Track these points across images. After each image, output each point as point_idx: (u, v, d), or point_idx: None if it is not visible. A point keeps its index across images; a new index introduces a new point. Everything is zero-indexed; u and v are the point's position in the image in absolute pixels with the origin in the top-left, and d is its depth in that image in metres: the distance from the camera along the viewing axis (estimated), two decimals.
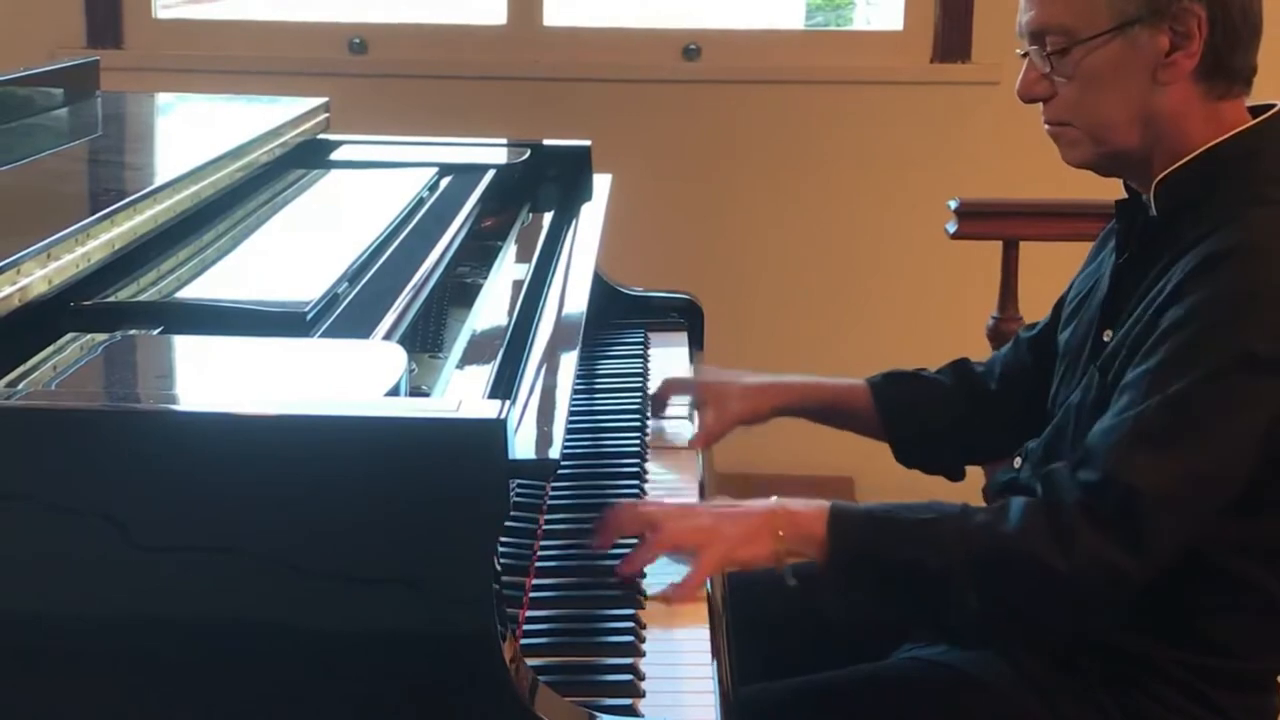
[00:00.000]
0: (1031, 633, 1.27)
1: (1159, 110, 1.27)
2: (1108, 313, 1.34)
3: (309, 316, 1.08)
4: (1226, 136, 1.27)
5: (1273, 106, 1.31)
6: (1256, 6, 1.27)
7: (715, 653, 1.14)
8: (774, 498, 1.27)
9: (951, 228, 2.24)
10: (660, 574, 1.25)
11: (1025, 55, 1.33)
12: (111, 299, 1.11)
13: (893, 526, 1.24)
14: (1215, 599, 1.27)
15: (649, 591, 1.23)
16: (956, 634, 1.31)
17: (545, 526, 1.32)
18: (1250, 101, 1.32)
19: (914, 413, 1.53)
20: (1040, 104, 1.32)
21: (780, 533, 1.25)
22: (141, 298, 1.13)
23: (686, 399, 1.63)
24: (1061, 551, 1.18)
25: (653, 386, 1.70)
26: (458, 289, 1.45)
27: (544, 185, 1.82)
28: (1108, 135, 1.29)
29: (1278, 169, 1.28)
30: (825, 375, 1.65)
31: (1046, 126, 1.33)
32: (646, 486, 1.45)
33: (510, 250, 1.61)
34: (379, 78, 2.90)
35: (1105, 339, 1.32)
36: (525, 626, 1.15)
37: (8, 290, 1.02)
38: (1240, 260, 1.21)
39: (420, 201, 1.50)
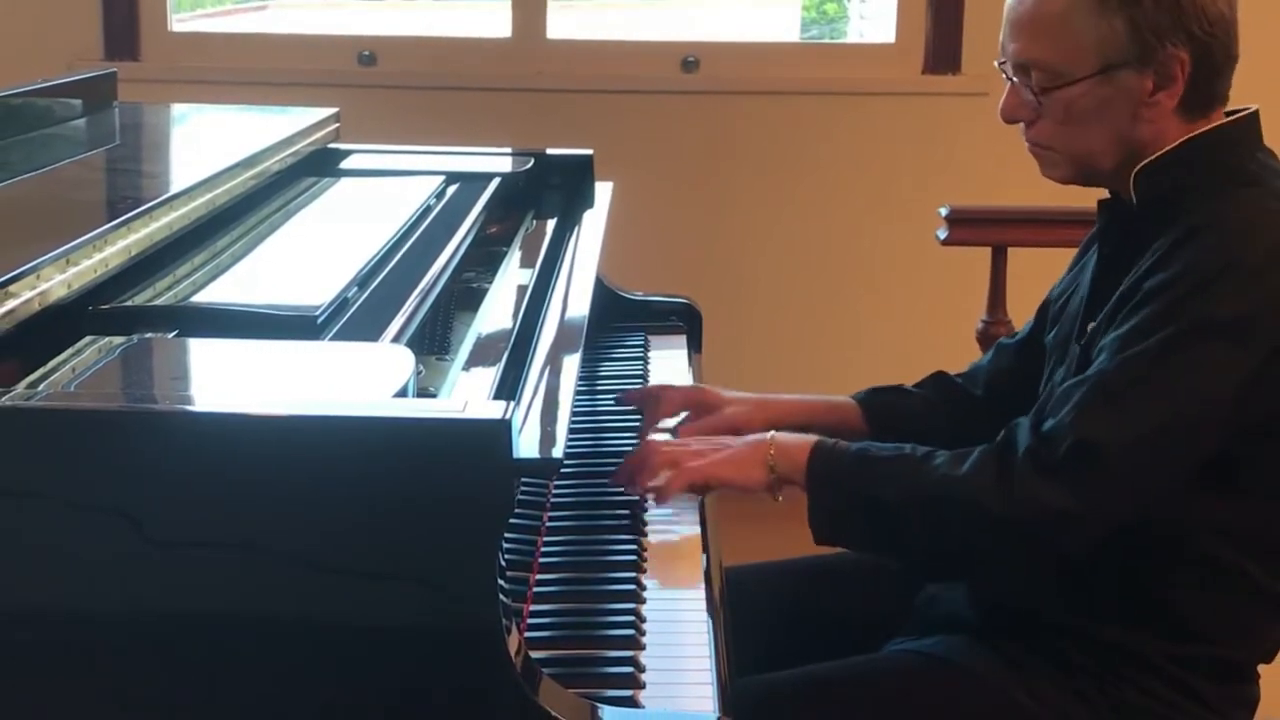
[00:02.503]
0: (975, 571, 1.32)
1: (1138, 138, 1.30)
2: (1091, 307, 1.36)
3: (320, 320, 1.09)
4: (1203, 130, 1.29)
5: (1247, 110, 1.33)
6: (1235, 37, 1.29)
7: (713, 646, 1.16)
8: (771, 431, 1.35)
9: (942, 234, 2.27)
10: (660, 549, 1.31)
11: (1005, 71, 1.34)
12: (129, 303, 1.13)
13: (862, 462, 1.30)
14: (1196, 585, 1.29)
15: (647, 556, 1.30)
16: (911, 566, 1.37)
17: (548, 524, 1.34)
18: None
19: (904, 424, 1.54)
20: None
21: (771, 460, 1.32)
22: (158, 302, 1.15)
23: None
24: (1000, 496, 1.21)
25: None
26: (464, 293, 1.46)
27: (547, 193, 1.83)
28: (1087, 161, 1.32)
29: (1253, 158, 1.30)
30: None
31: (1028, 145, 1.36)
32: None
33: (515, 256, 1.63)
34: (387, 89, 2.93)
35: (1088, 329, 1.34)
36: (529, 620, 1.17)
37: (28, 294, 1.04)
38: (1217, 235, 1.23)
39: (427, 209, 1.52)
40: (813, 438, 1.34)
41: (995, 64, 1.36)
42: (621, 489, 1.39)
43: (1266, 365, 1.21)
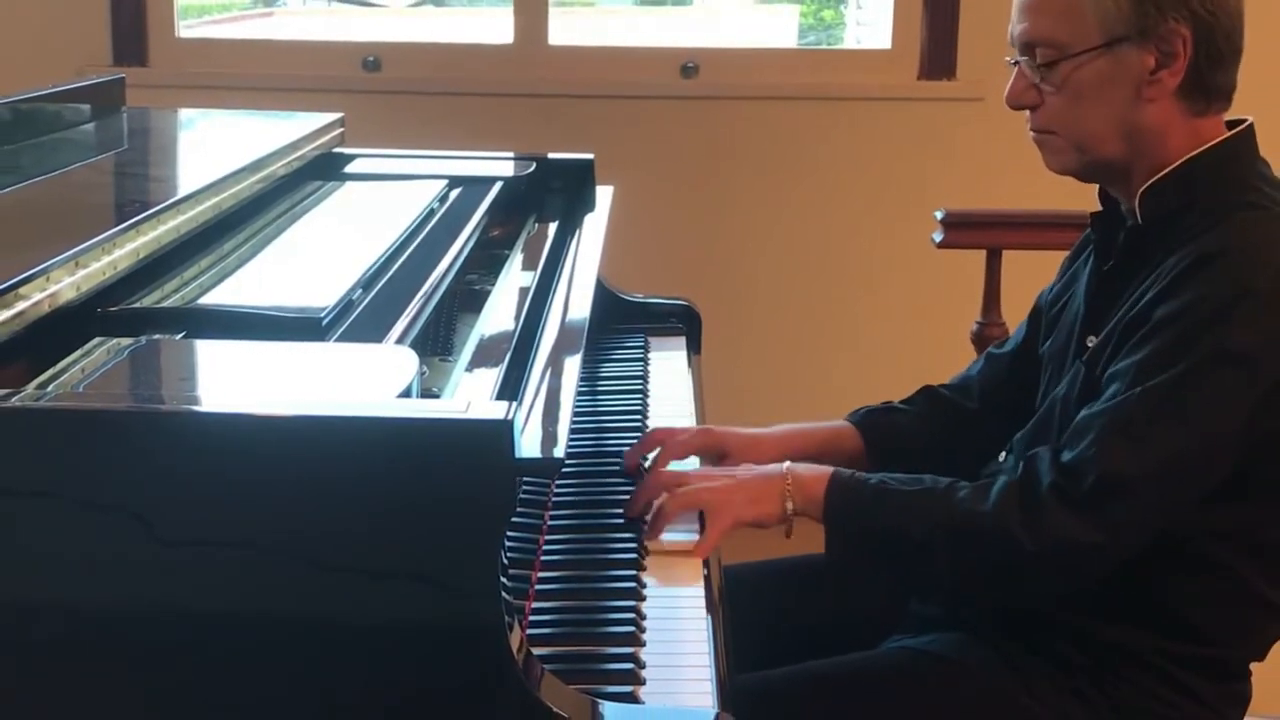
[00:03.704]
0: (1000, 601, 1.34)
1: (1141, 124, 1.30)
2: (1090, 319, 1.37)
3: (325, 322, 1.10)
4: (1205, 147, 1.31)
5: (1244, 121, 1.34)
6: (1239, 29, 1.30)
7: (712, 643, 1.17)
8: (786, 463, 1.35)
9: (938, 237, 2.28)
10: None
11: (1015, 64, 1.35)
12: (137, 305, 1.14)
13: (884, 496, 1.30)
14: (1192, 586, 1.30)
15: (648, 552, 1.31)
16: (934, 595, 1.38)
17: (550, 522, 1.36)
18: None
19: (901, 442, 1.54)
20: (1026, 112, 1.35)
21: (788, 494, 1.32)
22: (166, 304, 1.16)
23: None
24: (1029, 531, 1.23)
25: (652, 388, 1.72)
26: (467, 295, 1.47)
27: (549, 196, 1.85)
28: (1091, 145, 1.33)
29: (1253, 171, 1.32)
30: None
31: (1031, 133, 1.36)
32: None
33: (517, 259, 1.64)
34: (391, 94, 2.94)
35: (1089, 344, 1.35)
36: (531, 617, 1.18)
37: (38, 296, 1.05)
38: (1228, 262, 1.24)
39: (431, 212, 1.53)
40: (828, 470, 1.34)
41: (1006, 60, 1.36)
42: (632, 518, 1.36)
43: (1278, 388, 1.23)
